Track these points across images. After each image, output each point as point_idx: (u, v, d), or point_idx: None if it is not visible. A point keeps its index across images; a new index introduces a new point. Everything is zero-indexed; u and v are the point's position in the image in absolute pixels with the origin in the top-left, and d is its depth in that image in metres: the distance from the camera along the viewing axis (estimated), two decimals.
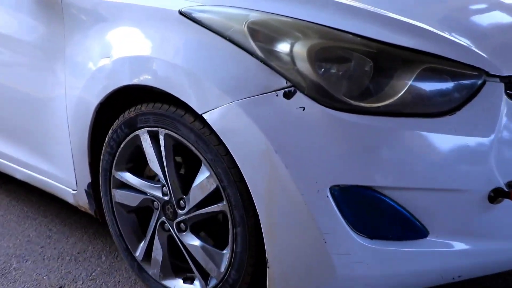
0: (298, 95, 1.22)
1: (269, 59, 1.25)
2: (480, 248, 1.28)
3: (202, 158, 1.39)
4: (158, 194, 1.58)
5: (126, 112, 1.55)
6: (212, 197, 1.43)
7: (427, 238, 1.25)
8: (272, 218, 1.29)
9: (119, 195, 1.69)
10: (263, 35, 1.27)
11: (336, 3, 1.36)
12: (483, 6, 1.59)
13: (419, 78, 1.21)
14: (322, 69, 1.22)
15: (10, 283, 1.91)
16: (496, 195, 1.24)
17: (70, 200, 1.97)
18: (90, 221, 2.33)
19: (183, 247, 1.56)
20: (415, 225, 1.24)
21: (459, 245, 1.27)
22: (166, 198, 1.56)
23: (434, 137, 1.21)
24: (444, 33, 1.29)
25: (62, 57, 1.74)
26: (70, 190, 1.92)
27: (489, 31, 1.45)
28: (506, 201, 1.26)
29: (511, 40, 1.42)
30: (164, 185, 1.55)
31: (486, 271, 1.34)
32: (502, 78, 1.26)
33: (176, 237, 1.57)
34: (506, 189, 1.24)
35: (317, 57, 1.23)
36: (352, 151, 1.21)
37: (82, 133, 1.70)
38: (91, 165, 1.75)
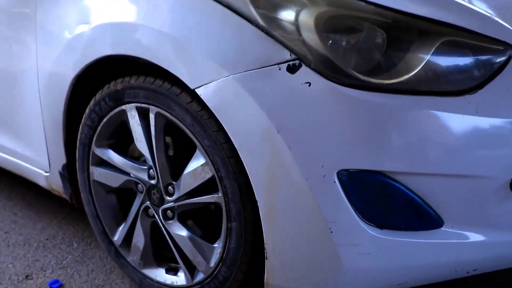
0: (303, 69, 1.16)
1: (271, 28, 1.19)
2: (498, 240, 1.23)
3: (197, 144, 1.34)
4: (144, 176, 1.52)
5: (112, 83, 1.48)
6: (206, 187, 1.38)
7: (442, 229, 1.21)
8: (272, 205, 1.24)
9: (98, 173, 1.63)
10: (265, 0, 1.20)
11: None
12: None
13: (437, 53, 1.15)
14: (331, 41, 1.16)
15: None
16: None
17: (42, 183, 1.89)
18: (60, 205, 2.26)
19: (169, 236, 1.52)
20: (429, 214, 1.20)
21: (475, 237, 1.22)
22: (152, 182, 1.50)
23: (452, 118, 1.16)
24: (465, 2, 1.21)
25: (32, 25, 1.66)
26: (42, 172, 1.86)
27: None
28: None
29: None
30: (151, 168, 1.49)
31: (503, 265, 1.30)
32: None
33: (161, 224, 1.52)
34: None
35: (325, 26, 1.16)
36: (362, 132, 1.15)
37: (56, 109, 1.63)
38: (66, 145, 1.69)
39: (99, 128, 1.54)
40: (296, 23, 1.17)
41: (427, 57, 1.14)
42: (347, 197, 1.18)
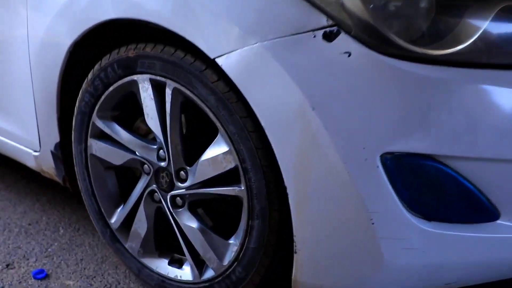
0: (343, 36, 1.07)
1: None
2: None
3: (221, 129, 1.27)
4: (152, 157, 1.44)
5: (123, 49, 1.38)
6: (226, 177, 1.31)
7: (498, 222, 1.13)
8: (304, 193, 1.16)
9: (97, 147, 1.54)
10: None
11: None
12: None
13: (495, 20, 1.06)
14: (372, 4, 1.07)
15: None
16: None
17: (31, 163, 1.80)
18: (43, 186, 2.17)
19: (176, 225, 1.45)
20: (484, 205, 1.11)
21: None
22: (162, 164, 1.42)
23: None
24: None
25: None
26: (31, 151, 1.77)
27: None
28: None
29: None
30: (161, 148, 1.41)
31: None
32: None
33: (168, 212, 1.46)
34: None
35: None
36: (409, 109, 1.07)
37: (50, 81, 1.55)
38: (60, 121, 1.61)
39: (103, 97, 1.46)
40: None
41: (484, 25, 1.05)
42: (392, 184, 1.10)
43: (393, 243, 1.13)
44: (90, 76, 1.46)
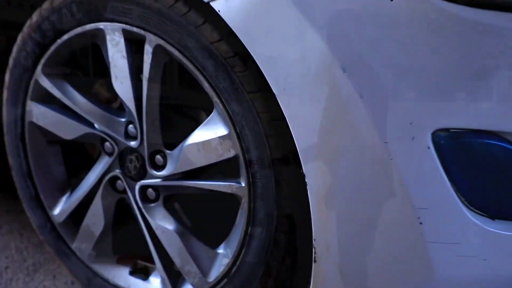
0: None
1: None
2: None
3: (219, 105, 1.10)
4: (118, 133, 1.26)
5: None
6: (220, 168, 1.18)
7: None
8: (330, 182, 0.99)
9: (40, 114, 1.35)
10: None
11: None
12: None
13: None
14: None
15: None
16: None
17: None
18: None
19: (145, 225, 1.28)
20: None
21: None
22: (132, 143, 1.24)
23: None
24: None
25: None
26: None
27: None
28: None
29: None
30: (131, 123, 1.23)
31: None
32: None
33: (135, 206, 1.28)
34: None
35: None
36: (470, 73, 0.90)
37: None
38: None
39: (52, 47, 1.26)
40: None
41: None
42: (446, 171, 0.93)
43: (446, 248, 0.97)
44: (35, 18, 1.27)
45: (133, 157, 1.26)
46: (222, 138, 1.10)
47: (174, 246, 1.23)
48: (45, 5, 1.27)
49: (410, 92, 0.93)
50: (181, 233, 1.23)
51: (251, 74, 1.04)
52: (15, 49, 1.35)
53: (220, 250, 1.21)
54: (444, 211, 0.97)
